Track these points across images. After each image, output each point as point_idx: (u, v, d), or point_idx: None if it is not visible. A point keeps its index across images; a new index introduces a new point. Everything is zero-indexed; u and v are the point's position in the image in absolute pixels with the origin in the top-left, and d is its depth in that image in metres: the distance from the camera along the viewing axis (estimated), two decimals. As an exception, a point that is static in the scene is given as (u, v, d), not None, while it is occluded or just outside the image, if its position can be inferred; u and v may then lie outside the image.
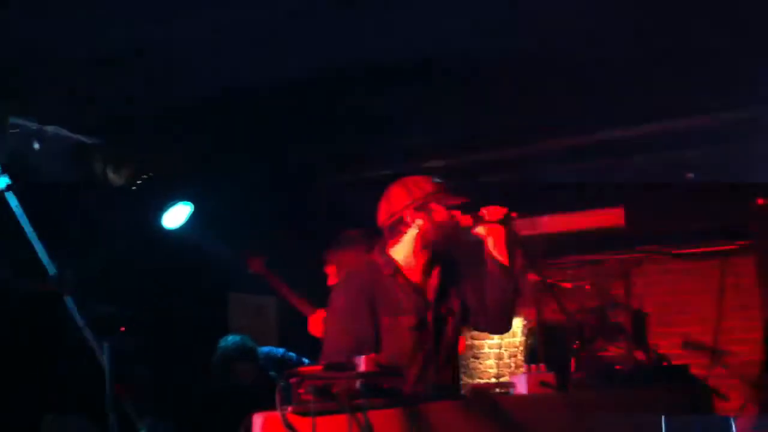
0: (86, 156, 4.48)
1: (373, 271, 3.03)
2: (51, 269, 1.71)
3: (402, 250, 3.05)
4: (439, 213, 3.03)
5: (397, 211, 3.02)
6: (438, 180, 3.09)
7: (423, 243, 3.02)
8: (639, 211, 6.28)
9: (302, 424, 2.13)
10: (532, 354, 6.17)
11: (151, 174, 4.76)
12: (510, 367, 6.95)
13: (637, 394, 2.49)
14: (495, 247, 3.03)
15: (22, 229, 1.76)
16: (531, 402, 2.43)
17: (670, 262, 6.97)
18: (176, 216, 4.99)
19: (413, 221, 3.01)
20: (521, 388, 2.46)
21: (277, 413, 2.14)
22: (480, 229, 3.05)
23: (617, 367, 2.55)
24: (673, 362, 3.91)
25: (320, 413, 2.11)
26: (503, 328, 3.25)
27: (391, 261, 3.03)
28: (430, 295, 3.04)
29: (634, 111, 4.91)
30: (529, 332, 6.72)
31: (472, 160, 5.50)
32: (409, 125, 4.85)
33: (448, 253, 3.09)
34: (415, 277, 3.04)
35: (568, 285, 5.96)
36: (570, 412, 2.39)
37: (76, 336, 1.70)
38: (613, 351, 5.46)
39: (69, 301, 1.69)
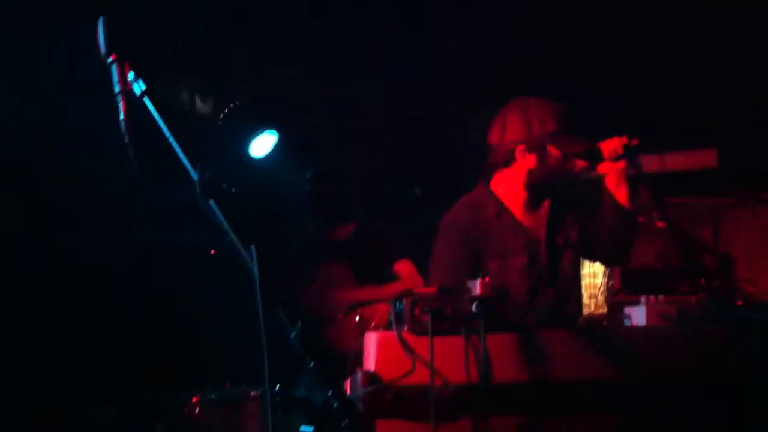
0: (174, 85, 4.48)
1: (476, 213, 2.89)
2: (193, 174, 1.68)
3: (508, 182, 2.91)
4: (554, 156, 2.85)
5: (510, 143, 2.86)
6: (562, 115, 2.85)
7: (529, 181, 2.88)
8: (732, 152, 6.04)
9: (418, 343, 2.10)
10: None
11: (237, 103, 4.75)
12: (589, 308, 6.83)
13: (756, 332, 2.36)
14: (616, 185, 2.83)
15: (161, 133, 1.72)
16: (645, 334, 2.34)
17: (762, 206, 6.69)
18: (263, 145, 5.00)
19: (524, 158, 2.86)
20: (638, 319, 2.37)
21: (393, 332, 2.12)
22: (599, 167, 2.84)
23: (739, 303, 2.43)
24: None
25: (436, 333, 2.08)
26: (618, 260, 3.15)
27: (496, 199, 2.89)
28: (541, 230, 2.90)
29: (727, 45, 4.68)
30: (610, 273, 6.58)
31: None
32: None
33: (557, 187, 2.93)
34: (523, 214, 2.90)
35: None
36: (686, 346, 2.29)
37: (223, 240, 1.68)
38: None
39: (212, 204, 1.66)
